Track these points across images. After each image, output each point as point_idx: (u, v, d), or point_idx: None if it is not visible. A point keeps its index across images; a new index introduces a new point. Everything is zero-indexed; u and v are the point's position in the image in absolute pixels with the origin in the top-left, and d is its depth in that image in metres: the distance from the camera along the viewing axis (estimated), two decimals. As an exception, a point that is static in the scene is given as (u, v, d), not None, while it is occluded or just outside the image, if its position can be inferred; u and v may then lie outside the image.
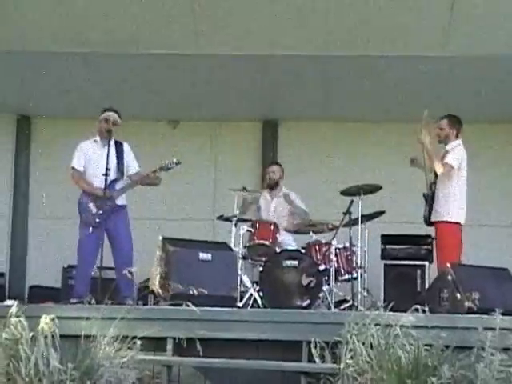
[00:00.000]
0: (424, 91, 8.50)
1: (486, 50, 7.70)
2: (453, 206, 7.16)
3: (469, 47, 7.68)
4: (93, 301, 5.83)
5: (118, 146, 7.05)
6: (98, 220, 6.84)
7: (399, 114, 9.07)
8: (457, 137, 7.31)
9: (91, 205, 6.89)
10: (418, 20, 7.52)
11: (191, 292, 6.20)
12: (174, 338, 5.70)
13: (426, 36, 7.64)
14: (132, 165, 7.12)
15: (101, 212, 6.86)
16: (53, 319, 5.25)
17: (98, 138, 7.11)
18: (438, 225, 7.23)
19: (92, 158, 7.04)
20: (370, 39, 7.70)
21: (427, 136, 7.23)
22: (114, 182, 6.96)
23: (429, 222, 7.34)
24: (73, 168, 7.06)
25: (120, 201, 7.02)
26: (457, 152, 7.23)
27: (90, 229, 6.82)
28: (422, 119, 7.22)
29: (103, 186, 6.86)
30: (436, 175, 7.33)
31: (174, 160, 7.05)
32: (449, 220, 7.13)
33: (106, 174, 6.85)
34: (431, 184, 7.32)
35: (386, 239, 8.42)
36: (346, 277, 7.56)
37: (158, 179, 7.07)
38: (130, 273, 6.48)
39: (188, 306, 5.79)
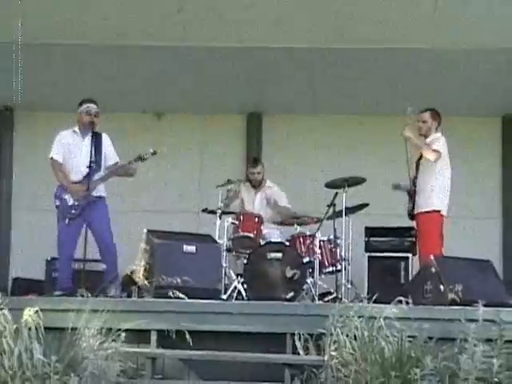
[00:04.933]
0: (410, 84, 8.52)
1: (472, 44, 7.73)
2: (434, 196, 7.23)
3: (455, 41, 7.70)
4: (81, 292, 5.81)
5: (97, 138, 6.99)
6: (73, 211, 6.81)
7: (385, 107, 9.08)
8: (436, 130, 7.39)
9: (67, 196, 6.86)
10: (405, 13, 7.54)
11: (175, 283, 6.20)
12: (158, 331, 5.70)
13: (412, 29, 7.65)
14: (111, 156, 7.06)
15: (77, 203, 6.82)
16: (36, 311, 5.23)
17: (77, 129, 7.04)
18: (419, 216, 7.30)
19: (71, 149, 6.98)
20: (357, 32, 7.70)
21: (411, 131, 7.29)
22: (90, 173, 6.92)
23: (412, 217, 7.39)
24: (51, 158, 6.99)
25: (97, 192, 6.96)
26: (439, 140, 7.31)
27: (67, 220, 6.79)
28: (406, 115, 7.28)
29: (81, 178, 6.82)
30: (417, 170, 7.39)
31: (150, 150, 7.03)
32: (429, 210, 7.20)
33: (90, 167, 6.81)
34: (413, 179, 7.38)
35: (370, 231, 8.45)
36: (330, 269, 7.58)
37: (132, 170, 7.01)
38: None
39: (173, 293, 5.80)
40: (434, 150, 7.20)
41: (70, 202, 6.83)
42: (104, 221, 6.89)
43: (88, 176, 6.84)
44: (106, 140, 7.06)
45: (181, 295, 6.02)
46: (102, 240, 6.83)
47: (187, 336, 5.54)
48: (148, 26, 7.71)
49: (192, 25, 7.66)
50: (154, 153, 7.03)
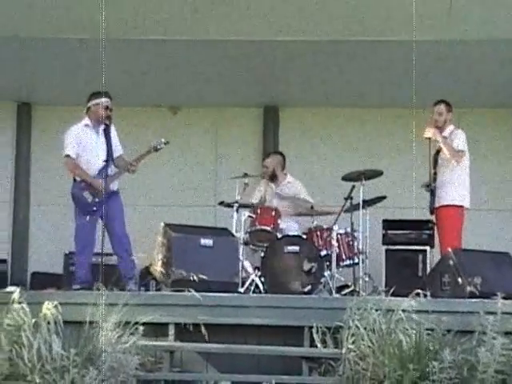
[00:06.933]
0: (426, 76, 8.46)
1: (486, 34, 7.67)
2: (455, 189, 7.19)
3: (469, 32, 7.65)
4: (101, 286, 5.82)
5: (107, 129, 6.93)
6: (94, 208, 6.79)
7: (401, 98, 9.02)
8: (450, 122, 7.34)
9: (86, 193, 6.82)
10: (419, 4, 7.48)
11: (192, 278, 6.20)
12: (176, 324, 5.71)
13: (427, 20, 7.60)
14: (116, 147, 7.02)
15: (97, 200, 6.80)
16: (55, 305, 5.27)
17: (89, 123, 6.98)
18: (440, 209, 7.25)
19: (86, 143, 6.92)
20: (370, 24, 7.66)
21: (432, 130, 7.23)
22: (106, 167, 6.91)
23: (433, 211, 7.35)
24: (67, 156, 6.92)
25: (113, 186, 6.94)
26: (459, 136, 7.26)
27: (88, 217, 6.77)
28: (429, 116, 7.25)
29: (96, 172, 6.81)
30: (436, 164, 7.33)
31: (162, 140, 7.03)
32: (450, 203, 7.17)
33: (107, 160, 6.81)
34: (434, 175, 7.32)
35: (388, 224, 8.42)
36: (348, 262, 7.56)
37: (134, 169, 6.97)
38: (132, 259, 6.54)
39: (190, 291, 5.82)
40: (459, 152, 7.14)
41: (90, 199, 6.81)
42: (119, 214, 6.89)
43: (104, 170, 6.83)
44: (113, 131, 7.02)
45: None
46: (115, 232, 6.83)
47: (203, 329, 5.55)
48: (163, 20, 7.71)
49: (207, 19, 7.65)
50: (167, 142, 7.03)
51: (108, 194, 6.82)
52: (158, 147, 7.01)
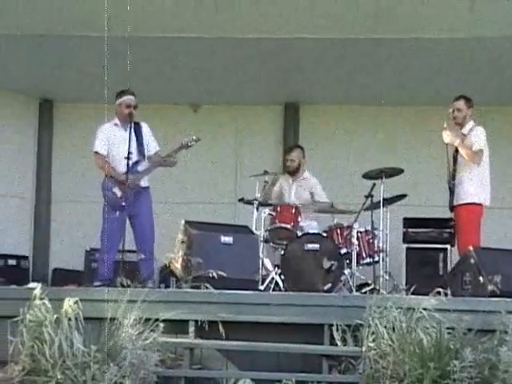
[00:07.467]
0: (447, 73, 8.43)
1: (510, 31, 7.61)
2: (474, 187, 7.12)
3: (493, 28, 7.59)
4: (121, 282, 5.84)
5: (137, 127, 7.03)
6: (123, 204, 6.84)
7: (422, 96, 9.00)
8: (470, 117, 7.25)
9: (116, 189, 6.89)
10: (442, 2, 7.45)
11: (212, 275, 6.22)
12: (196, 321, 5.73)
13: (450, 18, 7.56)
14: (151, 145, 7.11)
15: (126, 195, 6.87)
16: (76, 302, 5.30)
17: (117, 121, 7.09)
18: (458, 208, 7.20)
19: (114, 141, 7.03)
20: (392, 22, 7.63)
21: (450, 133, 7.15)
22: (136, 163, 6.97)
23: (452, 209, 7.31)
24: (96, 152, 7.04)
25: (143, 182, 7.04)
26: (479, 133, 7.18)
27: (117, 212, 6.83)
28: (446, 116, 7.18)
29: (125, 170, 6.86)
30: (455, 162, 7.28)
31: (194, 137, 7.07)
32: (469, 201, 7.11)
33: (128, 158, 6.85)
34: (453, 172, 7.26)
35: (408, 222, 8.39)
36: (368, 260, 7.55)
37: (173, 162, 7.07)
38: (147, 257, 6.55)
39: (207, 288, 5.83)
40: (476, 153, 7.07)
41: (119, 193, 6.87)
42: (148, 211, 6.98)
43: (133, 166, 6.87)
44: (145, 129, 7.12)
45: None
46: (142, 230, 6.88)
47: (221, 327, 5.56)
48: (184, 18, 7.72)
49: (228, 17, 7.66)
50: (198, 139, 7.08)
51: (138, 190, 6.88)
52: (189, 144, 7.07)
